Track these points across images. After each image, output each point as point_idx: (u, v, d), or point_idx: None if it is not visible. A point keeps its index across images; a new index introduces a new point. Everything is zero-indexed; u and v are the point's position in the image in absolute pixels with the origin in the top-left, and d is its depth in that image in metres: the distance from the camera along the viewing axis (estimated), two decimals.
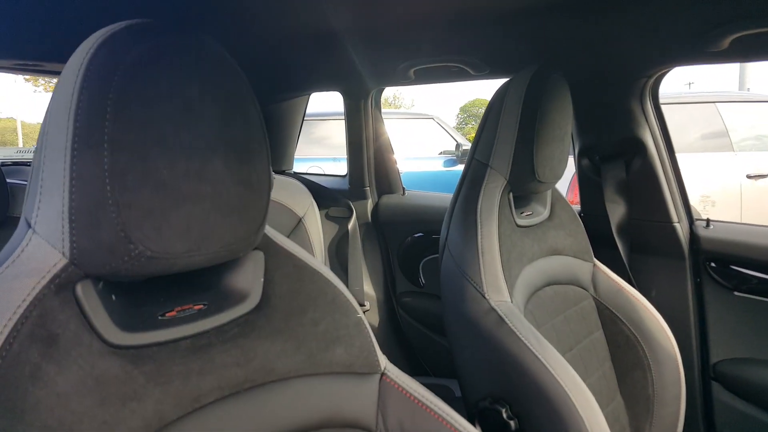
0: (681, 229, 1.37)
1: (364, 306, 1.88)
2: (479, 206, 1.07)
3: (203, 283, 0.61)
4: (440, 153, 5.71)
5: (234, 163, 0.54)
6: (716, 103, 4.25)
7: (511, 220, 1.11)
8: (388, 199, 1.98)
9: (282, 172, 2.17)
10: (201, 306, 0.58)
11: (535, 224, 1.19)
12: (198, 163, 0.50)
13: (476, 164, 1.14)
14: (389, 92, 26.03)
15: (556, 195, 1.29)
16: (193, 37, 0.52)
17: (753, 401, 1.29)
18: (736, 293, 1.32)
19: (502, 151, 1.10)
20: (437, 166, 5.59)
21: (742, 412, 1.31)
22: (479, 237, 1.03)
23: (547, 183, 1.14)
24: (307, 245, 1.65)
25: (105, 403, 0.48)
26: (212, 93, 0.52)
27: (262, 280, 0.65)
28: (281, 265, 0.68)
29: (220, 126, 0.52)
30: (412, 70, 1.47)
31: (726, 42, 1.01)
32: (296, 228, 1.68)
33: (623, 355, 1.22)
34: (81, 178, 0.46)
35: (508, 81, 1.13)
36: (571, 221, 1.28)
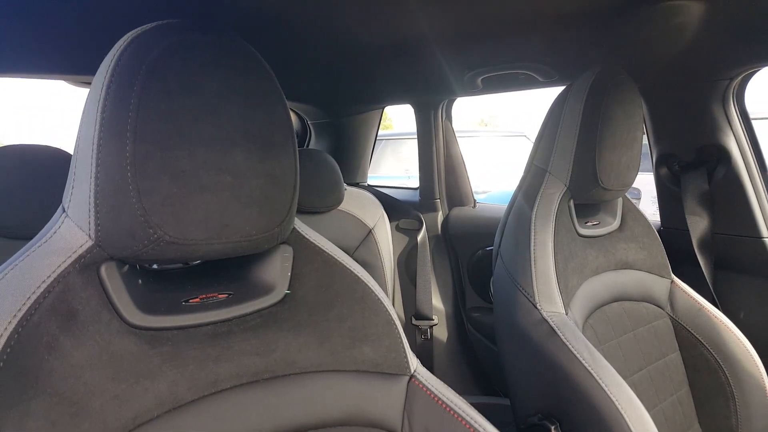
0: None
1: (432, 320, 1.86)
2: (534, 212, 1.03)
3: (230, 275, 0.64)
4: None
5: (256, 156, 0.56)
6: None
7: (571, 228, 1.06)
8: (458, 212, 1.96)
9: (356, 185, 2.22)
10: (226, 295, 0.61)
11: (602, 235, 1.13)
12: (218, 153, 0.53)
13: (535, 169, 1.10)
14: (485, 112, 25.76)
15: (628, 205, 1.21)
16: (219, 35, 0.55)
17: None
18: None
19: (561, 156, 1.06)
20: None
21: None
22: (532, 244, 0.99)
23: (613, 191, 1.07)
24: (376, 256, 1.67)
25: (117, 379, 0.51)
26: (235, 88, 0.55)
27: (290, 274, 0.66)
28: (310, 260, 0.69)
29: (241, 120, 0.55)
30: (480, 79, 1.45)
31: None
32: (366, 239, 1.70)
33: (703, 381, 1.11)
34: (104, 165, 0.50)
35: (569, 85, 1.08)
36: (646, 234, 1.19)
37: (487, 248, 1.86)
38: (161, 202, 0.51)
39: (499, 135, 5.78)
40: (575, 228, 1.06)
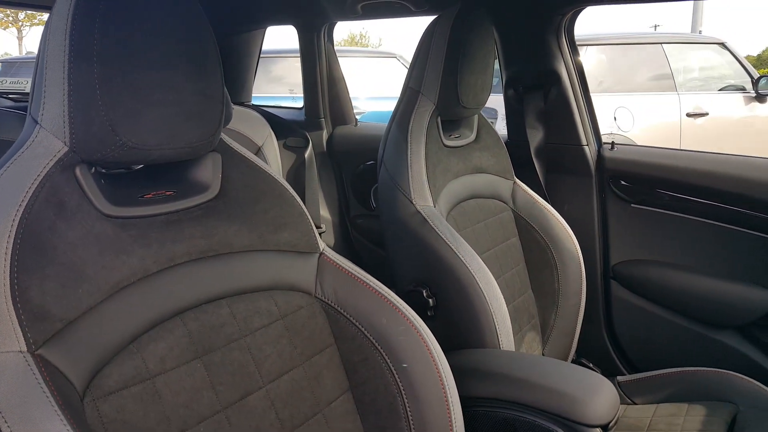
0: (589, 151, 1.58)
1: (321, 228, 2.07)
2: (410, 127, 1.25)
3: (173, 176, 0.78)
4: None
5: (193, 77, 0.70)
6: (663, 45, 4.44)
7: (439, 140, 1.30)
8: (341, 130, 2.13)
9: (241, 104, 2.28)
10: (172, 192, 0.75)
11: (462, 145, 1.38)
12: (166, 75, 0.66)
13: (410, 91, 1.31)
14: (355, 30, 25.38)
15: (483, 121, 1.47)
16: None
17: (643, 295, 1.56)
18: (633, 205, 1.55)
19: (431, 80, 1.27)
20: None
21: (635, 304, 1.57)
22: (409, 153, 1.22)
23: (471, 109, 1.32)
24: None
25: (103, 253, 0.65)
26: (175, 17, 0.67)
27: (221, 175, 0.81)
28: (236, 165, 0.84)
29: (182, 45, 0.68)
30: (360, 5, 1.60)
31: None
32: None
33: (535, 257, 1.45)
34: (77, 85, 0.61)
35: (436, 17, 1.28)
36: (495, 144, 1.47)
37: (368, 162, 2.07)
38: (124, 114, 0.64)
39: (371, 56, 5.87)
40: (442, 140, 1.30)
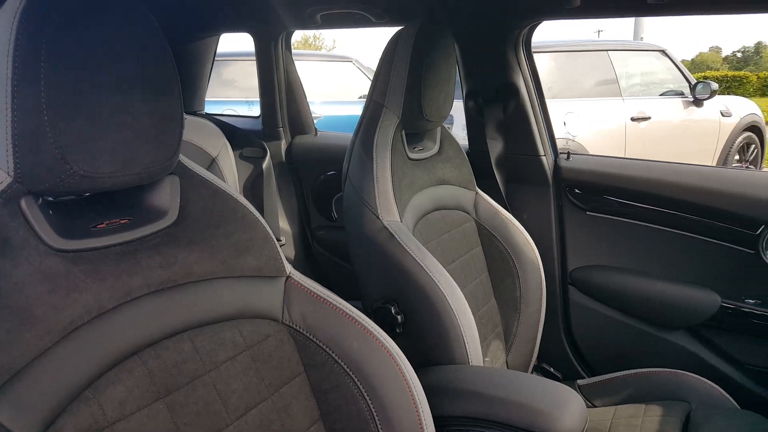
0: (547, 161, 1.62)
1: (281, 241, 2.03)
2: (375, 141, 1.24)
3: (128, 202, 0.74)
4: (360, 97, 5.77)
5: (150, 98, 0.67)
6: (608, 51, 4.61)
7: (403, 153, 1.30)
8: (301, 140, 2.11)
9: (193, 113, 2.22)
10: (127, 220, 0.71)
11: (426, 158, 1.39)
12: (121, 97, 0.63)
13: (374, 104, 1.30)
14: (309, 32, 25.18)
15: (445, 133, 1.48)
16: None
17: (599, 299, 1.61)
18: (588, 213, 1.60)
19: (395, 93, 1.27)
20: (356, 110, 5.63)
21: (592, 308, 1.62)
22: (374, 167, 1.21)
23: (434, 121, 1.33)
24: None
25: (52, 292, 0.60)
26: (130, 35, 0.64)
27: (179, 199, 0.78)
28: (195, 188, 0.81)
29: (137, 64, 0.65)
30: (319, 15, 1.58)
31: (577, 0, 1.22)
32: (209, 168, 1.76)
33: (497, 266, 1.47)
34: (22, 109, 0.57)
35: (399, 30, 1.28)
36: (457, 156, 1.48)
37: (329, 173, 2.06)
38: (75, 141, 0.60)
39: (327, 59, 5.83)
40: (406, 153, 1.30)
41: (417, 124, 1.30)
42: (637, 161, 1.59)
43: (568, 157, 1.63)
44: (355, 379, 0.83)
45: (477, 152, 1.66)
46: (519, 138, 1.63)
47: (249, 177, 2.08)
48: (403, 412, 0.82)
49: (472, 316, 1.15)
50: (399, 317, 1.15)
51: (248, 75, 4.78)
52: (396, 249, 1.14)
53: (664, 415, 1.27)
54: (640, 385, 1.38)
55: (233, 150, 1.91)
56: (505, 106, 1.61)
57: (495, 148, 1.62)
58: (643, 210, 1.53)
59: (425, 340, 1.14)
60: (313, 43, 24.23)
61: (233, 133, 2.00)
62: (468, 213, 1.48)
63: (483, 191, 1.52)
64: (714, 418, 1.21)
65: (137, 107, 0.65)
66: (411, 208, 1.28)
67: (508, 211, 1.51)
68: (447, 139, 1.47)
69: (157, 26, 0.68)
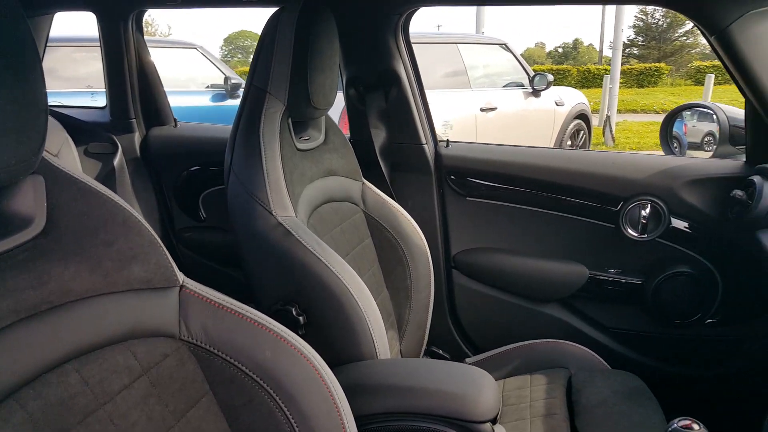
0: (428, 149, 1.64)
1: None
2: (261, 130, 1.14)
3: None
4: (207, 87, 5.45)
5: (6, 81, 0.53)
6: (458, 45, 4.87)
7: (292, 143, 1.21)
8: (158, 132, 1.90)
9: None
10: None
11: (313, 148, 1.31)
12: None
13: (255, 90, 1.19)
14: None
15: (329, 122, 1.42)
16: None
17: (481, 280, 1.67)
18: (468, 198, 1.65)
19: (279, 78, 1.17)
20: (204, 101, 5.33)
21: (474, 289, 1.68)
22: (264, 159, 1.11)
23: (321, 109, 1.26)
24: None
25: None
26: None
27: (45, 204, 0.64)
28: (65, 189, 0.67)
29: None
30: None
31: None
32: None
33: (387, 256, 1.45)
34: None
35: (279, 10, 1.19)
36: (343, 145, 1.43)
37: (193, 168, 1.88)
38: None
39: (169, 46, 5.42)
40: (294, 143, 1.22)
41: (304, 112, 1.22)
42: (510, 147, 1.68)
43: (447, 145, 1.67)
44: (271, 391, 0.76)
45: (360, 141, 1.62)
46: (402, 126, 1.62)
47: (98, 176, 1.83)
48: (325, 419, 0.77)
49: (377, 309, 1.11)
50: (301, 318, 1.07)
51: (71, 63, 4.29)
52: (294, 246, 1.06)
53: (549, 383, 1.35)
54: (524, 357, 1.47)
55: (77, 146, 1.66)
56: (387, 94, 1.59)
57: (378, 137, 1.60)
58: (517, 193, 1.61)
59: (332, 338, 1.08)
60: (146, 29, 22.38)
61: (75, 126, 1.74)
62: (356, 204, 1.44)
63: (369, 181, 1.49)
64: (592, 380, 1.32)
65: None
66: (303, 203, 1.20)
67: (394, 200, 1.49)
68: (332, 128, 1.41)
69: None
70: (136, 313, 0.70)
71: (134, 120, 1.86)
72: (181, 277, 0.78)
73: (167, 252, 0.77)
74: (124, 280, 0.69)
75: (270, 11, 1.23)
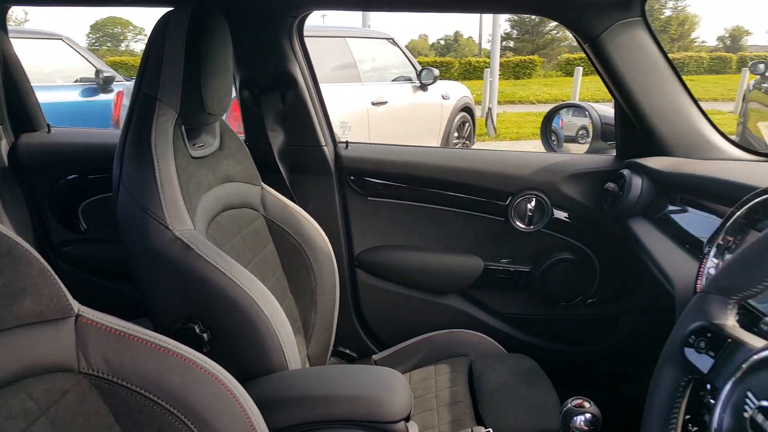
0: (328, 151, 1.64)
1: None
2: (153, 140, 1.07)
3: None
4: (76, 81, 5.02)
5: None
6: (347, 38, 4.88)
7: (186, 152, 1.16)
8: (29, 139, 1.72)
9: None
10: None
11: (208, 155, 1.26)
12: None
13: (144, 97, 1.12)
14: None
15: (224, 126, 1.37)
16: None
17: (384, 277, 1.72)
18: (369, 198, 1.68)
19: (170, 84, 1.11)
20: (74, 96, 4.92)
21: (378, 287, 1.72)
22: (157, 172, 1.05)
23: (215, 114, 1.21)
24: None
25: None
26: None
27: None
28: None
29: None
30: None
31: None
32: None
33: (291, 261, 1.44)
34: None
35: (168, 12, 1.12)
36: (239, 150, 1.39)
37: (70, 177, 1.73)
38: None
39: (30, 36, 4.92)
40: (188, 151, 1.17)
41: (198, 119, 1.17)
42: (407, 147, 1.73)
43: (346, 146, 1.68)
44: (182, 417, 0.74)
45: (257, 144, 1.59)
46: (300, 129, 1.61)
47: None
48: None
49: (285, 318, 1.11)
50: (205, 335, 1.04)
51: None
52: (195, 261, 1.02)
53: (452, 372, 1.43)
54: (427, 349, 1.53)
55: None
56: (283, 96, 1.57)
57: (276, 139, 1.57)
58: (415, 191, 1.67)
59: (240, 353, 1.05)
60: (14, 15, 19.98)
61: None
62: (256, 210, 1.41)
63: (268, 185, 1.46)
64: (490, 365, 1.41)
65: None
66: (200, 213, 1.15)
67: (295, 203, 1.48)
68: (227, 132, 1.37)
69: None
70: (30, 350, 0.66)
71: (0, 126, 1.67)
72: (76, 306, 0.73)
73: (59, 281, 0.71)
74: (14, 316, 0.65)
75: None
